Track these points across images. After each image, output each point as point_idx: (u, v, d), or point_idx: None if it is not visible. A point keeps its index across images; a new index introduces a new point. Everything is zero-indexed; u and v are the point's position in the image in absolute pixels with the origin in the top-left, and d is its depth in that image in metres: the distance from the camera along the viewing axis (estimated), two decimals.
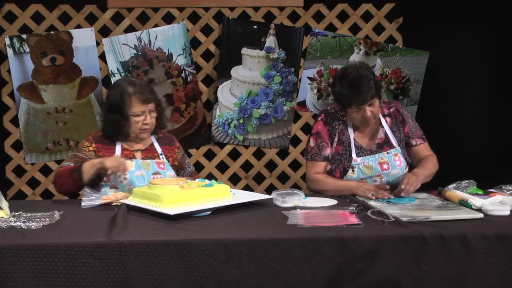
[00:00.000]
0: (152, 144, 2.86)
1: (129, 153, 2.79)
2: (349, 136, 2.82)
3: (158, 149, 2.85)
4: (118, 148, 2.79)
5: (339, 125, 2.85)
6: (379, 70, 4.10)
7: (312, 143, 2.88)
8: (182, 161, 2.97)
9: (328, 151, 2.84)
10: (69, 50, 3.90)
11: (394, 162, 2.79)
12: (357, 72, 2.70)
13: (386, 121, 2.86)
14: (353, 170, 2.77)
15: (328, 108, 2.97)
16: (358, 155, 2.79)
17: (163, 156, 2.83)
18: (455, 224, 2.11)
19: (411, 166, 2.87)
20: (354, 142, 2.81)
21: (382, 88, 2.80)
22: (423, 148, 2.88)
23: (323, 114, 2.92)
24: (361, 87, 2.67)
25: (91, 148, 2.79)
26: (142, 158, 2.79)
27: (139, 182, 2.69)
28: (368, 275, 1.96)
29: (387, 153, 2.79)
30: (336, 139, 2.84)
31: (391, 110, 2.89)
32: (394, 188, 2.67)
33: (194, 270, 1.91)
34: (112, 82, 3.92)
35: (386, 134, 2.84)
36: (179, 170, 2.94)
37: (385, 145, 2.82)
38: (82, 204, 2.44)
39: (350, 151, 2.80)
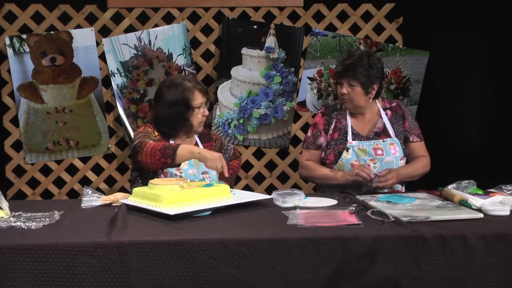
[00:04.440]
0: (196, 143, 2.97)
1: None
2: (347, 124, 2.93)
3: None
4: None
5: (337, 115, 2.98)
6: None
7: (309, 133, 3.04)
8: (219, 152, 3.02)
9: (321, 140, 2.97)
10: (69, 50, 3.90)
11: (389, 150, 2.88)
12: (357, 53, 2.89)
13: (387, 114, 2.97)
14: (347, 151, 2.87)
15: (330, 102, 3.18)
16: (354, 140, 2.90)
17: None
18: (455, 224, 2.10)
19: (406, 162, 2.96)
20: (352, 130, 2.92)
21: (374, 84, 2.86)
22: (419, 146, 2.97)
23: (323, 107, 3.08)
24: (348, 63, 2.85)
25: (156, 133, 2.84)
26: None
27: (192, 180, 2.70)
28: (368, 275, 1.96)
29: (383, 141, 2.90)
30: (332, 126, 2.96)
31: (393, 105, 3.01)
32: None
33: (194, 270, 1.91)
34: (112, 82, 3.93)
35: (384, 124, 2.94)
36: None
37: (382, 134, 2.92)
38: (82, 204, 2.44)
39: (346, 136, 2.91)
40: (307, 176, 3.06)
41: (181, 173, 2.80)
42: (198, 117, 2.86)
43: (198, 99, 2.85)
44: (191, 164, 2.83)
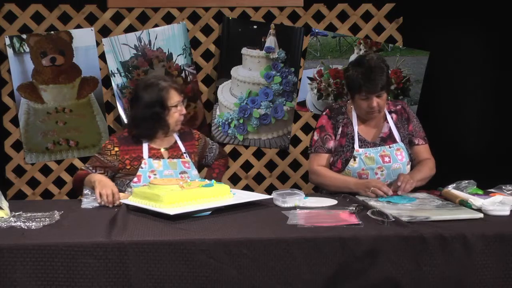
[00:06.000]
0: (175, 142, 2.93)
1: (156, 152, 2.85)
2: (353, 129, 2.86)
3: (182, 148, 2.92)
4: (145, 148, 2.83)
5: (343, 119, 2.90)
6: None
7: (316, 137, 2.93)
8: (203, 151, 3.07)
9: (331, 144, 2.88)
10: (69, 50, 3.90)
11: (396, 156, 2.82)
12: (373, 62, 2.76)
13: (392, 117, 2.91)
14: (354, 160, 2.80)
15: (333, 104, 3.05)
16: (360, 147, 2.83)
17: (187, 155, 2.90)
18: (455, 224, 2.11)
19: (412, 166, 2.90)
20: (358, 135, 2.85)
21: (391, 85, 2.83)
22: (423, 149, 2.92)
23: (327, 109, 2.98)
24: (374, 76, 2.72)
25: (113, 152, 2.81)
26: (169, 157, 2.85)
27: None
28: (368, 275, 1.96)
29: (389, 147, 2.83)
30: (339, 131, 2.88)
31: (397, 107, 2.95)
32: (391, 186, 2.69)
33: (194, 270, 1.91)
34: (112, 82, 3.93)
35: (390, 129, 2.88)
36: (201, 159, 3.08)
37: (388, 139, 2.86)
38: (82, 204, 2.44)
39: (353, 143, 2.84)
40: (318, 183, 2.91)
41: (155, 174, 2.77)
42: (175, 116, 2.84)
43: (174, 98, 2.83)
44: (167, 165, 2.81)
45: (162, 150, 2.86)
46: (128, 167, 2.79)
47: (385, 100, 2.80)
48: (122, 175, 2.80)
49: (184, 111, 2.87)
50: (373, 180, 2.72)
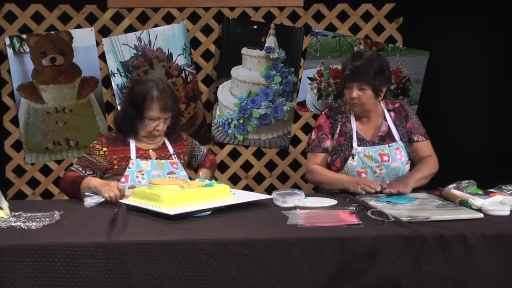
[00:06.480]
0: (164, 143, 2.90)
1: (144, 153, 2.82)
2: (352, 128, 2.87)
3: (170, 149, 2.89)
4: (133, 148, 2.80)
5: (342, 118, 2.90)
6: None
7: (313, 136, 2.94)
8: (191, 151, 3.04)
9: (328, 143, 2.89)
10: (69, 50, 3.90)
11: (395, 155, 2.83)
12: (365, 55, 2.81)
13: (390, 116, 2.91)
14: (353, 158, 2.81)
15: (333, 103, 3.08)
16: (359, 145, 2.84)
17: (175, 156, 2.87)
18: (455, 224, 2.11)
19: (412, 163, 2.90)
20: (357, 134, 2.86)
21: (384, 87, 2.82)
22: (424, 146, 2.91)
23: (327, 109, 2.99)
24: (359, 66, 2.76)
25: (101, 152, 2.78)
26: (157, 158, 2.82)
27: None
28: (368, 275, 1.96)
29: (389, 146, 2.84)
30: (337, 130, 2.89)
31: (396, 105, 2.95)
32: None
33: (194, 270, 1.91)
34: (112, 82, 3.93)
35: (389, 127, 2.88)
36: (191, 159, 3.05)
37: (387, 137, 2.87)
38: (85, 203, 2.44)
39: (352, 142, 2.84)
40: (314, 181, 2.96)
41: (142, 174, 2.74)
42: (147, 128, 2.74)
43: (153, 112, 2.71)
44: (154, 166, 2.78)
45: (150, 151, 2.83)
46: (116, 167, 2.76)
47: (369, 97, 2.78)
48: (110, 175, 2.77)
49: (160, 128, 2.75)
50: (365, 178, 2.75)
